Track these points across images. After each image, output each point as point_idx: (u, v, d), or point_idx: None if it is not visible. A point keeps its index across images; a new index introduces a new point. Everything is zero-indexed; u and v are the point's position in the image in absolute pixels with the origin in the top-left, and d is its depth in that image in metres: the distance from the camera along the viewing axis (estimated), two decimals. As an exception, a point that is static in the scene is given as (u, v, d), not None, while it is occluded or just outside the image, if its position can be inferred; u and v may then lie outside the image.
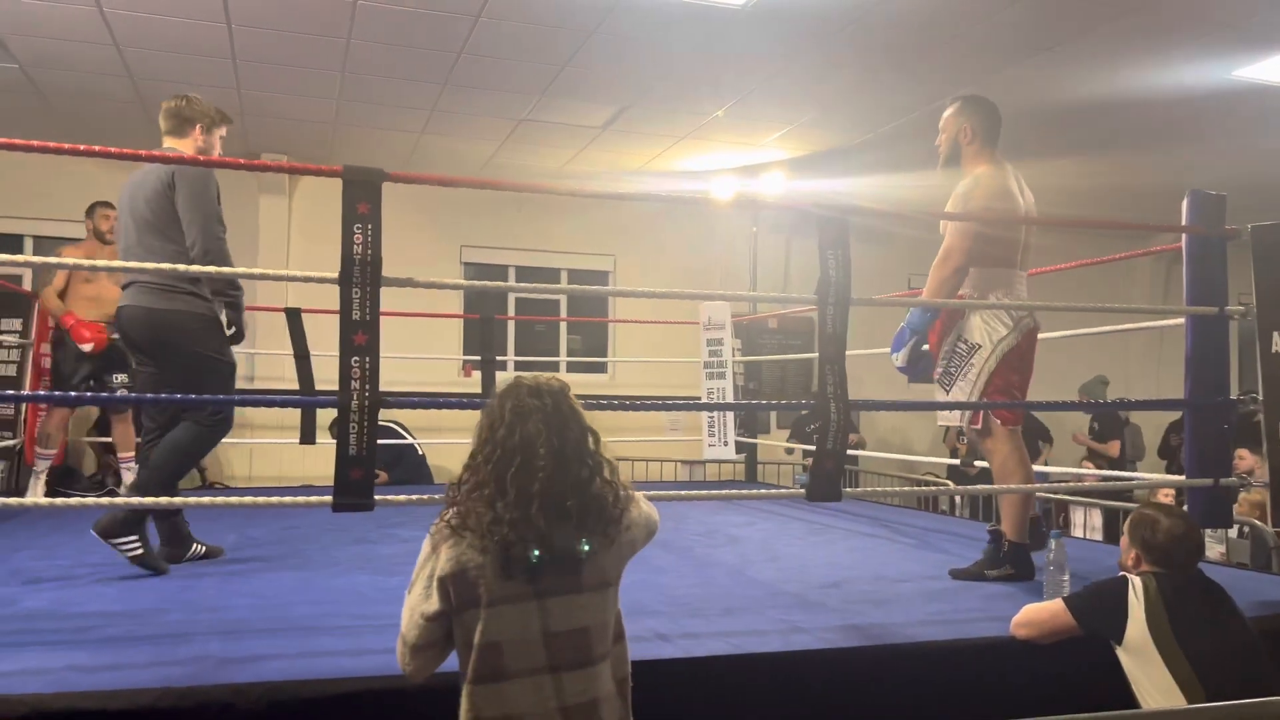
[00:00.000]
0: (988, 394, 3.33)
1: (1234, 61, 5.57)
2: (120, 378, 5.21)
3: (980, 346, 3.38)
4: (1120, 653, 2.39)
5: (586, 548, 1.69)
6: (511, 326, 8.72)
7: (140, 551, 3.19)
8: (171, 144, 3.54)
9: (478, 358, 5.96)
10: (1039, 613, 2.53)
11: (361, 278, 2.36)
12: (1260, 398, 3.24)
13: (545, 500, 1.66)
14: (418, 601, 1.73)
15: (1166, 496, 5.50)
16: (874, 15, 4.99)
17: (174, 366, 3.39)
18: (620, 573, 1.78)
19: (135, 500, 3.03)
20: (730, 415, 6.63)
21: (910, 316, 3.58)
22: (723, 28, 5.14)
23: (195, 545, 3.54)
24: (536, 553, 1.65)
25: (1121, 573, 2.56)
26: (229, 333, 3.53)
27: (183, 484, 6.47)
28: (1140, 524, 2.55)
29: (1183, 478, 3.41)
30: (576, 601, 1.68)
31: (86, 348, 5.05)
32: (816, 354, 2.96)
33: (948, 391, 3.44)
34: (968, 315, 3.43)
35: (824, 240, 2.86)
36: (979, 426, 3.41)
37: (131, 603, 2.84)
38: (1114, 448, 8.24)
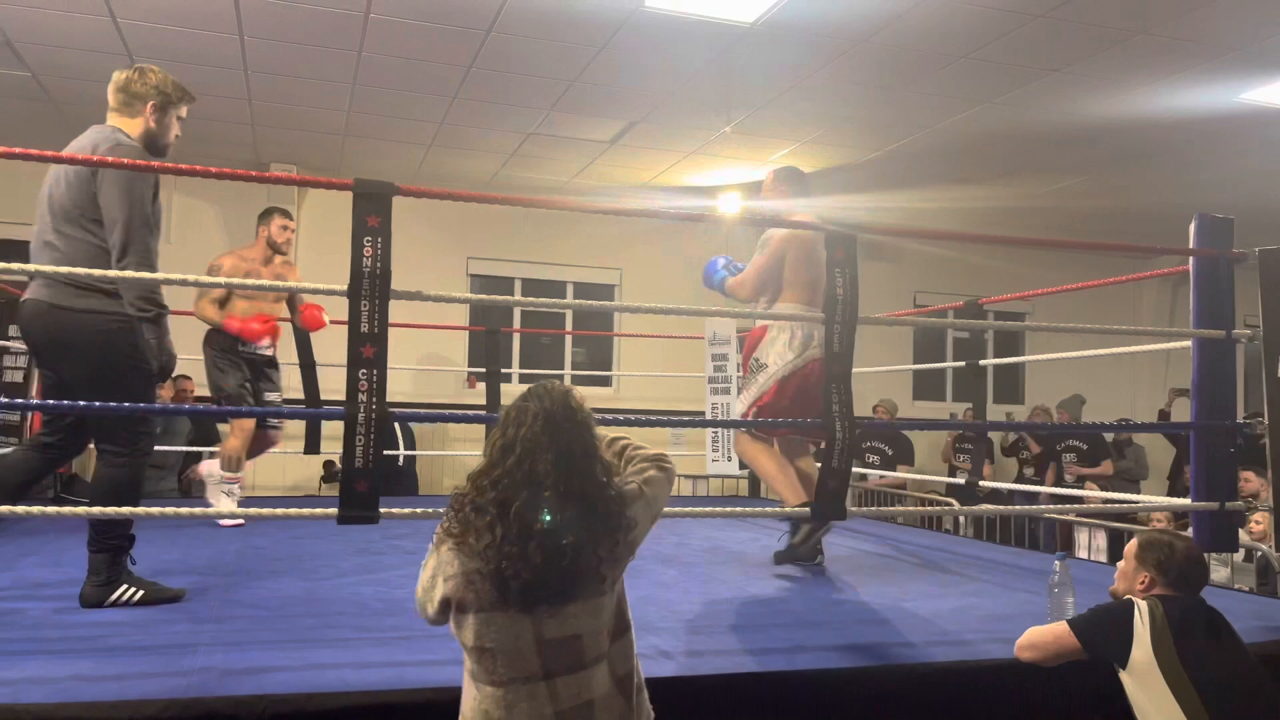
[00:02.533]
0: (759, 409, 3.87)
1: (1241, 85, 5.58)
2: (274, 396, 4.95)
3: (766, 367, 3.91)
4: (1124, 676, 2.38)
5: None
6: (517, 339, 8.74)
7: (141, 592, 2.87)
8: (117, 123, 3.03)
9: (482, 370, 5.97)
10: (1043, 635, 2.52)
11: (370, 290, 2.37)
12: (1266, 421, 3.24)
13: (546, 538, 1.65)
14: (425, 589, 1.77)
15: (1160, 521, 5.48)
16: (883, 34, 5.02)
17: (76, 375, 2.86)
18: (619, 574, 1.75)
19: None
20: (734, 431, 6.61)
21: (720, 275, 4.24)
22: (732, 44, 5.16)
23: (129, 588, 2.92)
24: (527, 583, 1.64)
25: (1127, 595, 2.54)
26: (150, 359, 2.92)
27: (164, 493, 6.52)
28: (1154, 547, 2.53)
29: (1188, 500, 3.40)
30: (570, 610, 1.67)
31: (264, 343, 4.77)
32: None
33: (739, 395, 4.14)
34: (769, 339, 3.94)
35: (832, 259, 2.87)
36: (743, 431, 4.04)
37: (136, 612, 2.83)
38: (1107, 467, 8.19)
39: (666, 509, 2.74)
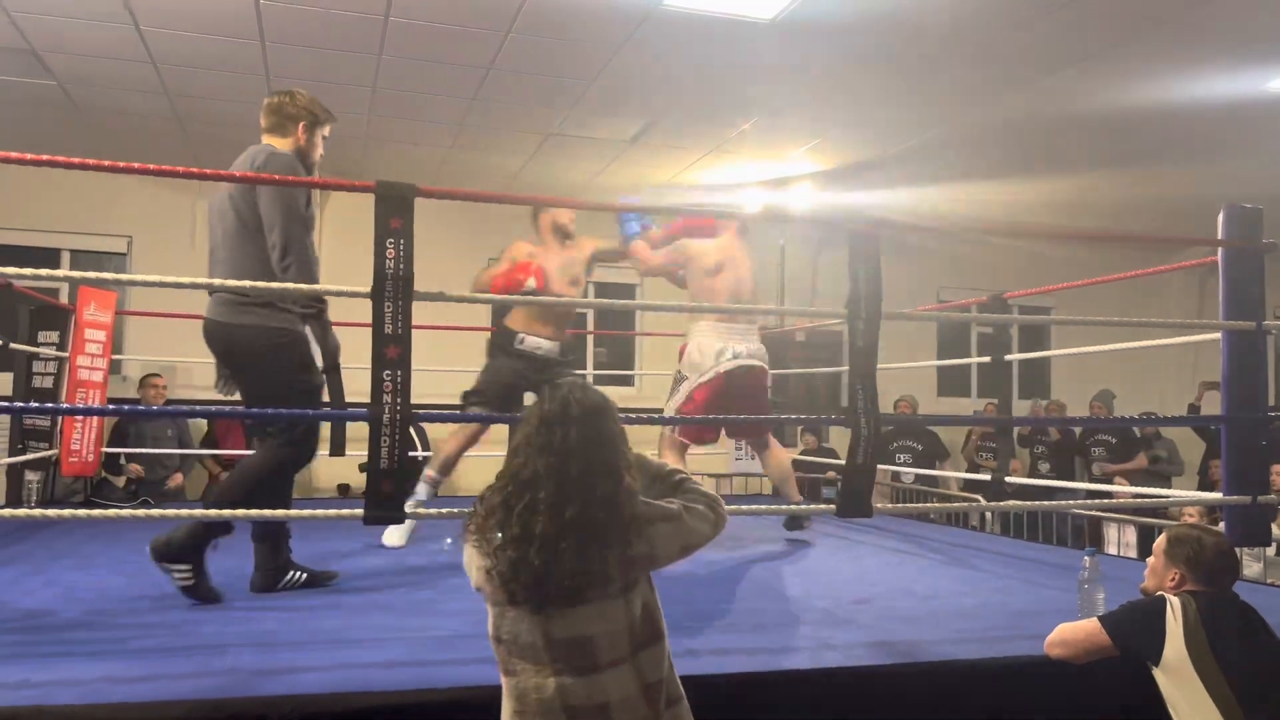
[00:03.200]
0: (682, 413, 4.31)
1: (1270, 73, 5.50)
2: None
3: (686, 379, 4.36)
4: (1157, 673, 2.35)
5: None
6: (539, 339, 8.75)
7: (192, 581, 2.99)
8: (270, 141, 3.34)
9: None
10: (1074, 632, 2.49)
11: (394, 292, 2.38)
12: (1298, 413, 3.19)
13: (547, 539, 1.66)
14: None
15: (1191, 516, 5.41)
16: (904, 27, 4.98)
17: (250, 385, 3.17)
18: (635, 580, 1.74)
19: (203, 513, 2.85)
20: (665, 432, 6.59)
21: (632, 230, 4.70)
22: (751, 41, 5.14)
23: (294, 573, 3.25)
24: (528, 583, 1.66)
25: (1158, 593, 2.51)
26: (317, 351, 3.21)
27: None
28: (1183, 543, 2.50)
29: (1219, 495, 3.36)
30: (580, 612, 1.68)
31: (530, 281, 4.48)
32: (845, 368, 2.95)
33: (667, 402, 4.48)
34: (688, 351, 4.41)
35: (854, 254, 2.86)
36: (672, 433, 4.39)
37: (166, 614, 2.86)
38: (1141, 461, 8.08)
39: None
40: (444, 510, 2.69)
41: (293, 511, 2.85)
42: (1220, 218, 3.37)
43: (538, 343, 4.60)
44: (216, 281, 2.89)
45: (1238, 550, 4.02)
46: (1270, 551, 4.64)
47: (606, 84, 5.80)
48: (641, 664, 1.71)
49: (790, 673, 2.36)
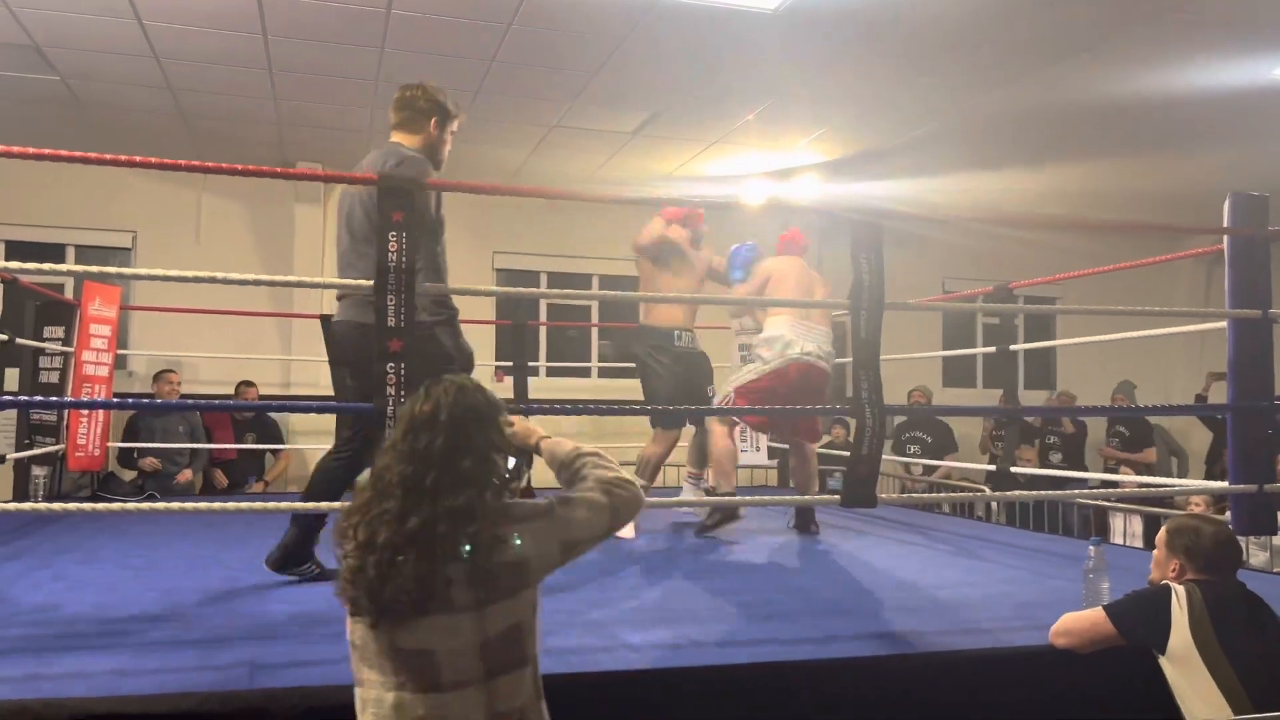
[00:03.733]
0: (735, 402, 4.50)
1: (1275, 61, 5.47)
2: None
3: (752, 364, 4.53)
4: (1163, 662, 2.35)
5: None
6: (543, 332, 8.75)
7: (318, 572, 3.13)
8: (399, 139, 3.30)
9: (509, 364, 5.99)
10: (1078, 622, 2.49)
11: (396, 285, 2.39)
12: (1306, 402, 3.18)
13: (385, 550, 1.55)
14: None
15: (1198, 505, 5.39)
16: (908, 17, 4.96)
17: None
18: (497, 595, 1.59)
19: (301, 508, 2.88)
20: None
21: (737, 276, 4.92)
22: (754, 31, 5.12)
23: (310, 565, 3.23)
24: (367, 593, 1.57)
25: (1163, 583, 2.51)
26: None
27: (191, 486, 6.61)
28: (1181, 533, 2.50)
29: (1225, 484, 3.35)
30: (423, 624, 1.56)
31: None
32: (849, 359, 2.94)
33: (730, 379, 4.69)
34: (757, 341, 4.65)
35: (857, 245, 2.85)
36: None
37: (173, 606, 2.87)
38: (1150, 454, 8.06)
39: (697, 498, 2.75)
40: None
41: (296, 505, 2.85)
42: (1226, 206, 3.35)
43: (688, 336, 4.80)
44: (220, 275, 2.88)
45: (1242, 539, 4.02)
46: (1277, 540, 4.63)
47: (609, 76, 5.78)
48: (496, 690, 1.58)
49: (797, 664, 2.37)
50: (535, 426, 1.94)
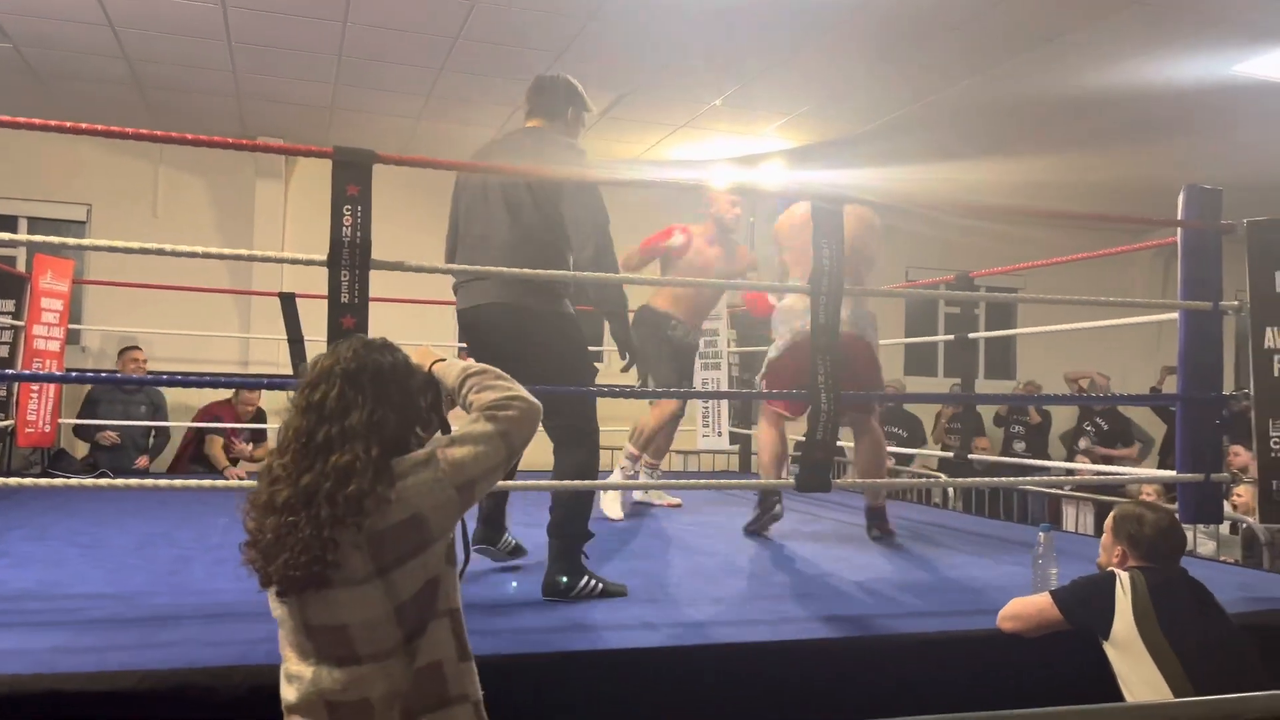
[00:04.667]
0: (773, 374, 4.05)
1: (1236, 56, 5.54)
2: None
3: (784, 335, 4.04)
4: (1107, 647, 2.39)
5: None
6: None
7: (600, 586, 2.81)
8: (535, 125, 3.25)
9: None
10: (1025, 606, 2.53)
11: (350, 260, 2.35)
12: (1251, 393, 3.23)
13: (284, 510, 1.50)
14: None
15: (1149, 494, 5.48)
16: (874, 5, 4.96)
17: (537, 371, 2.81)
18: (398, 558, 1.51)
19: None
20: (724, 405, 6.62)
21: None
22: (722, 15, 5.10)
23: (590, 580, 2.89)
24: (268, 561, 1.51)
25: (1109, 567, 2.55)
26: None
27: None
28: (1125, 519, 2.54)
29: (1174, 473, 3.41)
30: (329, 598, 1.50)
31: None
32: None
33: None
34: (773, 317, 4.19)
35: (818, 231, 2.85)
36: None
37: (120, 585, 2.83)
38: (1133, 451, 8.02)
39: (657, 481, 2.74)
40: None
41: (247, 483, 2.81)
42: (1180, 198, 3.39)
43: (683, 327, 4.67)
44: (169, 247, 2.81)
45: (1190, 528, 4.09)
46: (1224, 529, 4.72)
47: (576, 56, 5.74)
48: (416, 649, 1.52)
49: (749, 645, 2.37)
50: (431, 351, 1.81)
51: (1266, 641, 2.58)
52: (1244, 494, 4.47)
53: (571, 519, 2.88)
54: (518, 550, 3.27)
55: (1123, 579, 2.43)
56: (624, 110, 6.74)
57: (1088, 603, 2.43)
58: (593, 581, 2.83)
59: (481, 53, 5.73)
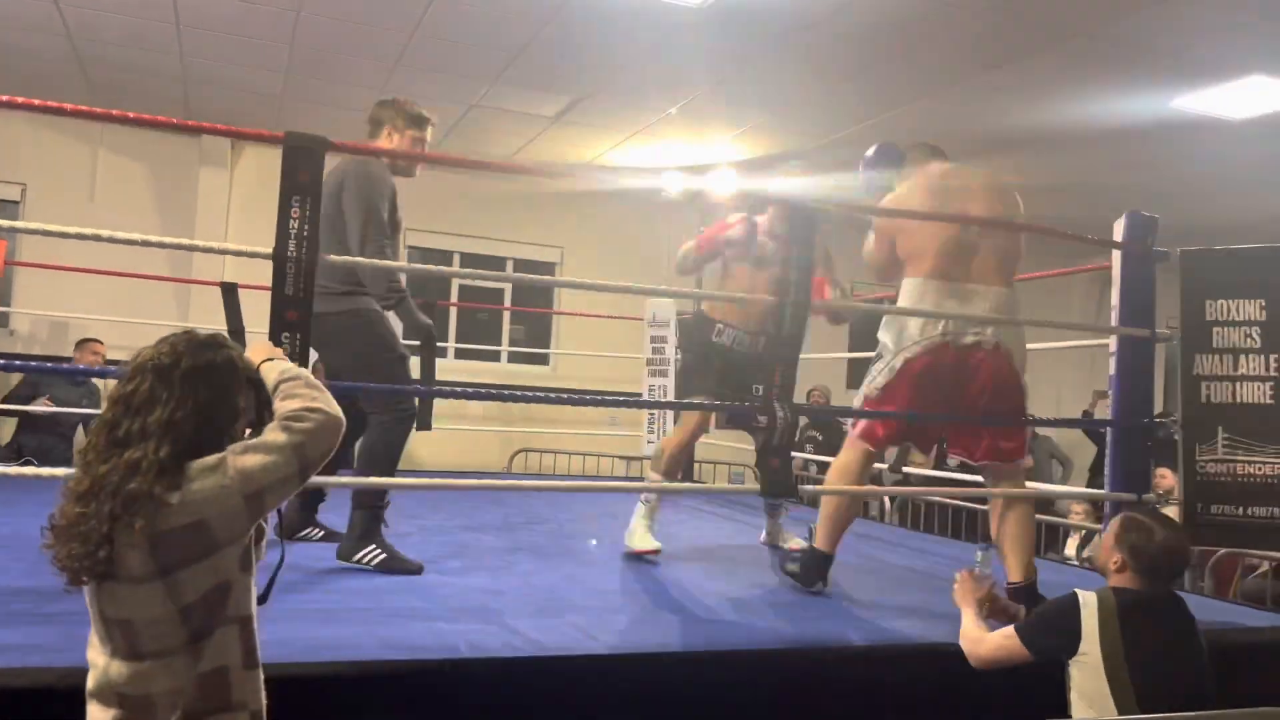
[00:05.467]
0: (878, 403, 3.11)
1: (1174, 91, 5.72)
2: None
3: (881, 357, 3.17)
4: (1071, 665, 2.33)
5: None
6: (454, 313, 8.63)
7: (384, 556, 3.14)
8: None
9: (416, 343, 5.87)
10: (993, 651, 2.41)
11: (297, 251, 2.30)
12: (1179, 418, 3.32)
13: (81, 498, 1.49)
14: None
15: (1078, 514, 5.60)
16: (830, 23, 5.03)
17: (339, 366, 3.32)
18: (183, 559, 1.48)
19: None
20: (670, 412, 6.64)
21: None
22: (678, 26, 5.13)
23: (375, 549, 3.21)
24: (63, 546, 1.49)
25: (1072, 590, 2.41)
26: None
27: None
28: (1134, 529, 2.40)
29: (1105, 491, 3.48)
30: (116, 591, 1.49)
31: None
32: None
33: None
34: (885, 321, 3.28)
35: (793, 238, 2.89)
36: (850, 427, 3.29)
37: (40, 579, 2.72)
38: (1028, 462, 8.27)
39: (596, 483, 2.74)
40: (332, 479, 2.62)
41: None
42: (1119, 224, 3.47)
43: (734, 335, 3.86)
44: (105, 233, 2.72)
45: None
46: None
47: (533, 58, 5.72)
48: (200, 651, 1.50)
49: (685, 654, 2.38)
50: (268, 348, 1.77)
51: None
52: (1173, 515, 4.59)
53: (367, 488, 3.15)
54: (330, 536, 3.47)
55: (1088, 601, 2.33)
56: (579, 114, 6.73)
57: (1054, 634, 2.34)
58: (379, 553, 3.14)
59: (437, 50, 5.68)
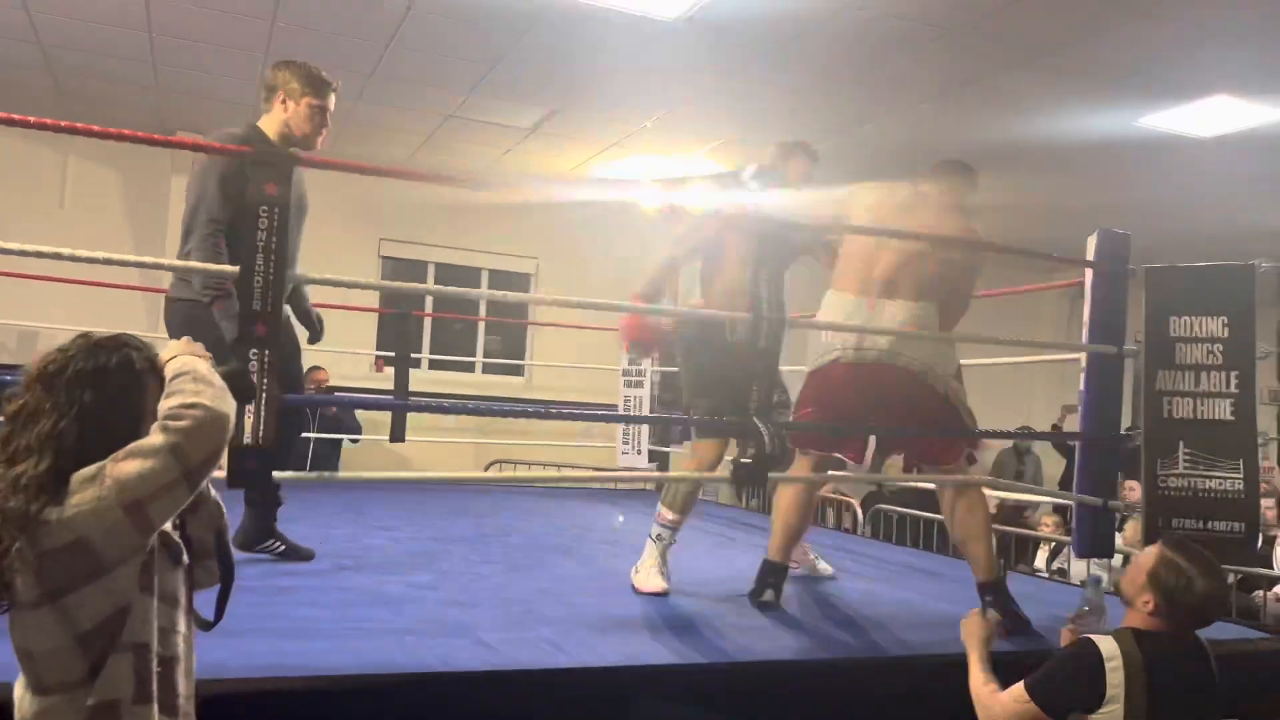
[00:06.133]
0: (794, 412, 3.29)
1: (1140, 110, 5.80)
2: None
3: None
4: (1088, 717, 2.19)
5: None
6: (428, 324, 8.59)
7: (283, 548, 3.31)
8: (260, 120, 3.33)
9: (391, 354, 5.86)
10: (1002, 711, 2.24)
11: (265, 265, 2.29)
12: (1142, 432, 3.36)
13: None
14: None
15: (1047, 525, 5.64)
16: (803, 39, 5.07)
17: None
18: (71, 583, 1.38)
19: None
20: (645, 424, 6.65)
21: None
22: (654, 39, 5.15)
23: (274, 541, 3.38)
24: None
25: (1084, 637, 2.26)
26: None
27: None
28: (1172, 572, 2.18)
29: (1073, 494, 3.50)
30: (16, 618, 1.41)
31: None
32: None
33: None
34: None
35: (760, 258, 2.90)
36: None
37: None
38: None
39: (565, 480, 2.72)
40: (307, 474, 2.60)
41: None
42: (1090, 241, 3.50)
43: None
44: (66, 251, 2.71)
45: (1084, 562, 4.19)
46: (1116, 562, 4.90)
47: (509, 69, 5.73)
48: (102, 684, 1.39)
49: (655, 667, 2.38)
50: (175, 346, 1.63)
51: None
52: (1131, 528, 4.64)
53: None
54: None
55: (1110, 654, 2.15)
56: (556, 126, 6.75)
57: (1074, 692, 2.17)
58: (277, 544, 3.29)
59: (413, 61, 5.68)
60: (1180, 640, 2.21)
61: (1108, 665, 2.13)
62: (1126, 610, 2.28)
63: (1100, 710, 2.13)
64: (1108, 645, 2.16)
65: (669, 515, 3.39)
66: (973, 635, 2.42)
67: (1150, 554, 2.26)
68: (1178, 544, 2.28)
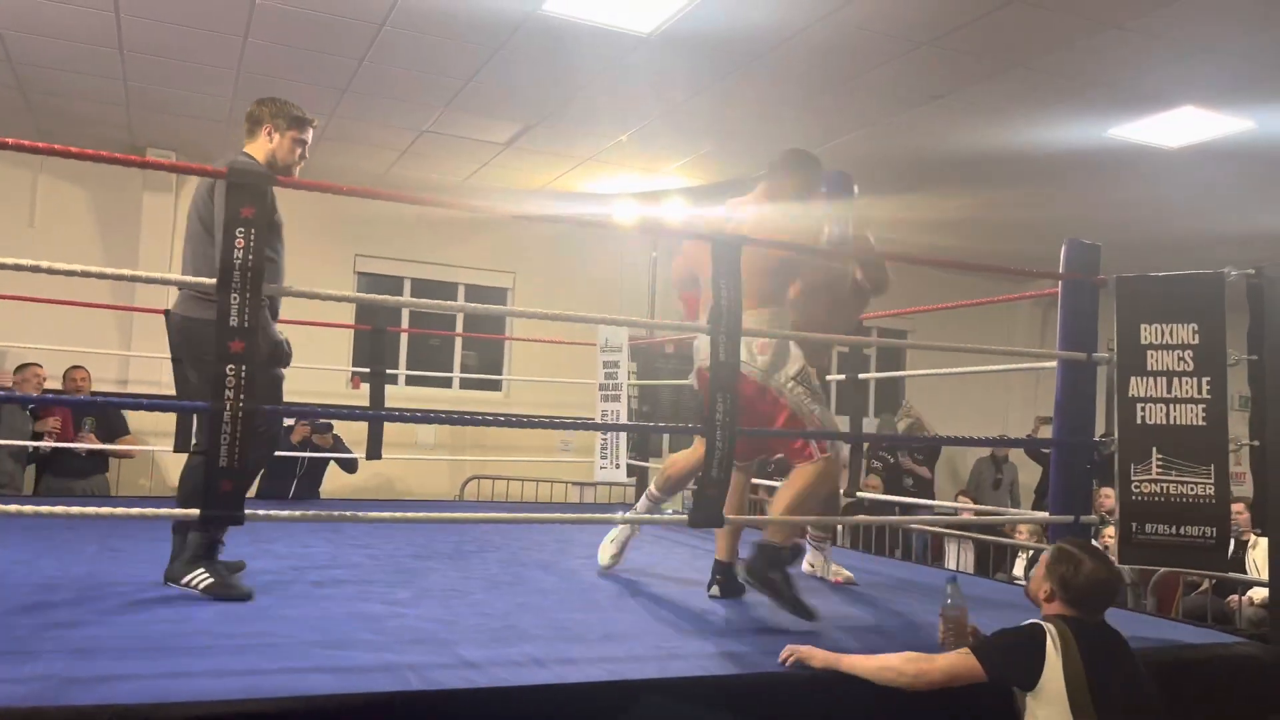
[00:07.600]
0: None
1: (1109, 120, 5.90)
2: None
3: None
4: (1027, 697, 2.32)
5: None
6: (404, 339, 8.56)
7: (211, 580, 3.06)
8: (246, 148, 3.31)
9: (367, 370, 5.82)
10: (946, 668, 2.35)
11: (241, 284, 2.28)
12: (1116, 439, 3.40)
13: None
14: None
15: (1022, 534, 5.69)
16: (777, 53, 5.12)
17: (203, 376, 3.05)
18: None
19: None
20: (623, 437, 6.64)
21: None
22: (628, 54, 5.18)
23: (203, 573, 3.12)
24: None
25: (1033, 620, 2.44)
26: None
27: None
28: (1063, 560, 2.44)
29: (1046, 514, 3.55)
30: None
31: None
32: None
33: None
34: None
35: (717, 269, 2.90)
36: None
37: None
38: (925, 470, 8.66)
39: (547, 515, 2.72)
40: (282, 513, 2.58)
41: (133, 510, 2.69)
42: (1062, 251, 3.56)
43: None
44: (45, 264, 2.68)
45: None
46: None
47: (484, 84, 5.74)
48: None
49: (636, 683, 2.37)
50: None
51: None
52: (1108, 535, 4.68)
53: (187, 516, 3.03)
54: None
55: (1053, 634, 2.33)
56: (531, 141, 6.76)
57: (1015, 658, 2.33)
58: (207, 577, 3.06)
59: (387, 76, 5.68)
60: (1093, 624, 2.42)
61: (1048, 642, 2.32)
62: (1042, 608, 2.48)
63: (1037, 687, 2.29)
64: (1048, 626, 2.36)
65: (654, 492, 3.89)
66: (812, 654, 2.50)
67: (1046, 553, 2.55)
68: (1069, 539, 2.63)
